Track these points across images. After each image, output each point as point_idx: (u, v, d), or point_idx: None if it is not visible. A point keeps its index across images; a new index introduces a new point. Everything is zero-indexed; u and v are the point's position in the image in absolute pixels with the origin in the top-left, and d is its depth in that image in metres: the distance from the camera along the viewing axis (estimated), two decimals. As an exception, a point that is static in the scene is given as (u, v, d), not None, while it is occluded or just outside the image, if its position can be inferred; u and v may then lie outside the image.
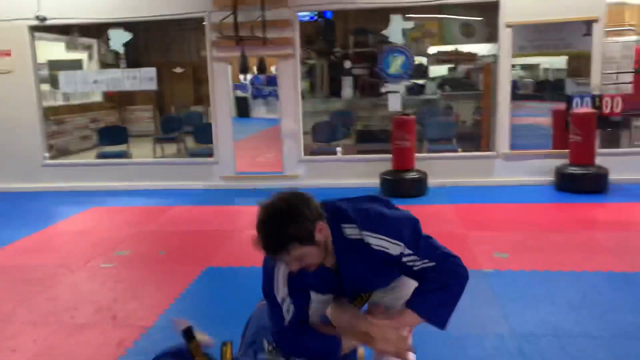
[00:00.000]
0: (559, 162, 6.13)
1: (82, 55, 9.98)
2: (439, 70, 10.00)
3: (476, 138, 7.64)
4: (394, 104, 6.38)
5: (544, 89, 11.71)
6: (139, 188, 6.85)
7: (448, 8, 7.89)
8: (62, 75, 7.10)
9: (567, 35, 6.74)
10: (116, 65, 9.17)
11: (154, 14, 6.66)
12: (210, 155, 7.01)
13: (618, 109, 5.91)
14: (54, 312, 3.43)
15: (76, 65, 8.90)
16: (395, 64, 6.13)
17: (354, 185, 6.38)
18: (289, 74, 6.65)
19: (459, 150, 6.91)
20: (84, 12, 6.75)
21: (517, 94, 7.34)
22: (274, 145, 8.52)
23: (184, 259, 4.33)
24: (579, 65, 9.96)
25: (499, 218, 5.16)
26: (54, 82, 7.97)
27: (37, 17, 6.68)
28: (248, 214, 5.59)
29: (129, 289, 3.76)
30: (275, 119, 13.43)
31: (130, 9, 6.64)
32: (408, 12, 6.73)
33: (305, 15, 8.31)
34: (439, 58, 9.89)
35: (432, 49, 9.57)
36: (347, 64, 8.64)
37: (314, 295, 1.96)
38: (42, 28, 6.98)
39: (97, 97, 10.73)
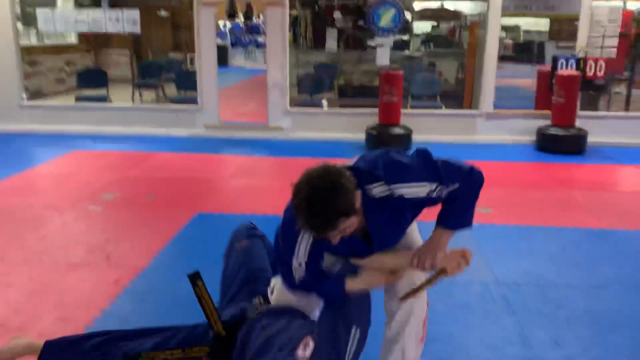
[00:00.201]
0: (540, 122, 6.26)
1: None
2: (423, 27, 9.97)
3: (459, 97, 7.71)
4: (383, 58, 6.36)
5: (524, 50, 11.79)
6: (119, 133, 6.76)
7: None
8: (40, 13, 6.83)
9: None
10: (94, 5, 8.85)
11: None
12: (192, 102, 6.92)
13: (601, 73, 6.03)
14: (46, 252, 3.44)
15: (49, 2, 8.54)
16: (386, 17, 6.09)
17: (339, 139, 6.42)
18: (277, 23, 6.55)
19: (443, 107, 6.98)
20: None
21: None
22: (255, 97, 8.46)
23: (173, 205, 4.34)
24: (561, 28, 10.06)
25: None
26: (27, 20, 7.67)
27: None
28: (235, 163, 5.64)
29: (119, 232, 3.78)
30: (255, 69, 13.28)
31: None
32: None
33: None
34: (424, 14, 9.84)
35: (418, 5, 9.50)
36: (337, 15, 8.48)
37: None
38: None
39: (72, 39, 10.38)
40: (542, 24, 10.99)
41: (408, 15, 9.31)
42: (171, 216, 4.06)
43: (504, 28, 8.82)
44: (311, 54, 8.90)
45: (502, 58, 7.65)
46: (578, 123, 6.07)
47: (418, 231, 2.06)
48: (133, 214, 4.11)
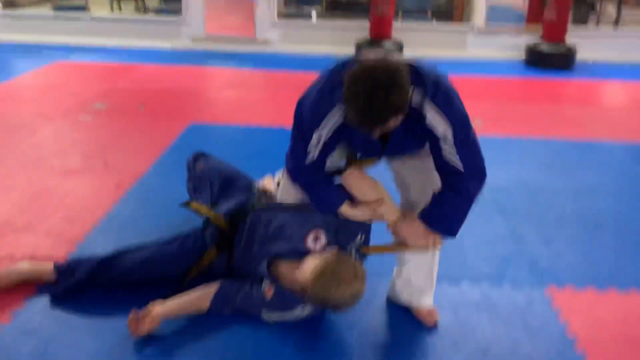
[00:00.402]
0: (530, 40, 6.23)
1: None
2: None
3: (449, 12, 7.58)
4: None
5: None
6: (101, 45, 6.54)
7: None
8: None
9: None
10: None
11: None
12: (175, 13, 6.69)
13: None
14: (42, 158, 3.42)
15: None
16: None
17: (328, 53, 6.32)
18: None
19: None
20: None
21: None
22: (241, 9, 8.18)
23: (166, 115, 4.31)
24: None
25: (472, 88, 5.30)
26: None
27: None
28: (223, 76, 5.56)
29: (114, 140, 3.76)
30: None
31: None
32: None
33: None
34: None
35: None
36: None
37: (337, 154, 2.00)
38: None
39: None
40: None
41: None
42: (164, 126, 4.04)
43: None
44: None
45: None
46: (568, 39, 6.05)
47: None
48: (126, 124, 4.07)
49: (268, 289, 2.01)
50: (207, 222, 2.25)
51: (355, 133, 1.77)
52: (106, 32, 6.67)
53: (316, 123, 1.79)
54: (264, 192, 2.43)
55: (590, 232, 2.78)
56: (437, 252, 2.07)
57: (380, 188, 2.00)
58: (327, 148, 1.86)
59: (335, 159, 2.03)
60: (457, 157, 1.74)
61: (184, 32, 6.63)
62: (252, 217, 2.18)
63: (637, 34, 6.81)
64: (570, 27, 6.18)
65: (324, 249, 2.02)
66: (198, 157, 2.60)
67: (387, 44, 6.03)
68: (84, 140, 3.76)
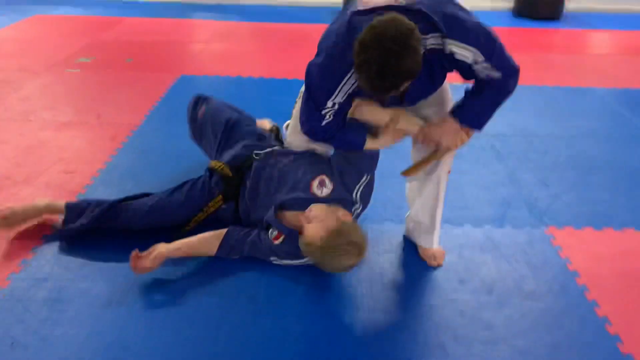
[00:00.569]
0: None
1: None
2: None
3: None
4: None
5: None
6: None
7: None
8: None
9: None
10: None
11: None
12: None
13: None
14: (32, 111, 3.35)
15: None
16: None
17: (316, 4, 6.20)
18: None
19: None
20: None
21: None
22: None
23: (155, 67, 4.22)
24: None
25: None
26: None
27: None
28: (210, 28, 5.44)
29: (104, 93, 3.68)
30: None
31: None
32: None
33: None
34: None
35: None
36: None
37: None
38: None
39: None
40: None
41: None
42: (154, 78, 3.97)
43: None
44: None
45: None
46: (556, -12, 6.01)
47: (450, 91, 2.01)
48: (114, 76, 3.98)
49: (276, 236, 2.02)
50: (213, 171, 2.24)
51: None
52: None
53: (330, 90, 1.78)
54: (266, 136, 2.41)
55: (585, 174, 2.84)
56: (442, 195, 2.10)
57: (389, 109, 1.96)
58: (343, 108, 1.86)
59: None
60: (493, 68, 1.72)
61: (166, -16, 6.40)
62: (257, 166, 2.18)
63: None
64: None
65: (329, 194, 2.02)
66: (199, 101, 2.55)
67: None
68: (73, 93, 3.68)
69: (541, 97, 3.86)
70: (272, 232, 2.03)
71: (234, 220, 2.22)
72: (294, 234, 1.97)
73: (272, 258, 2.05)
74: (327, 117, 1.86)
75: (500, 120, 3.34)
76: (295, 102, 2.18)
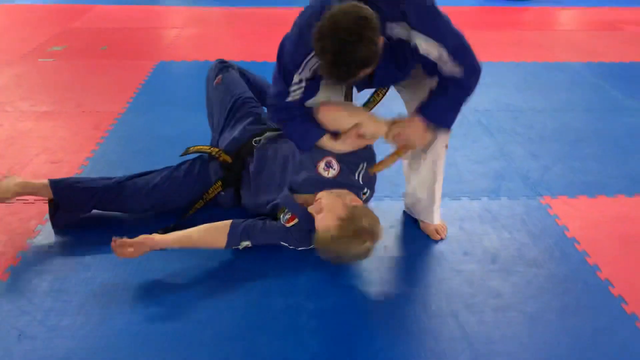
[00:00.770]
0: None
1: None
2: None
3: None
4: None
5: None
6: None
7: None
8: None
9: None
10: None
11: None
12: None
13: None
14: (8, 102, 3.23)
15: None
16: None
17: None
18: None
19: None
20: None
21: None
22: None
23: (131, 54, 4.12)
24: None
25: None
26: None
27: None
28: (183, 14, 5.34)
29: (82, 81, 3.58)
30: None
31: None
32: None
33: None
34: None
35: None
36: None
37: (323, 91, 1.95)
38: None
39: None
40: None
41: None
42: (132, 65, 3.87)
43: None
44: None
45: None
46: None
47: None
48: (91, 65, 3.87)
49: (290, 219, 1.97)
50: (211, 157, 2.20)
51: None
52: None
53: (296, 65, 1.78)
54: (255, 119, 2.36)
55: (572, 145, 2.90)
56: (440, 170, 2.10)
57: (355, 111, 1.97)
58: (310, 88, 1.85)
59: (323, 98, 1.98)
60: (455, 66, 1.72)
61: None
62: (259, 150, 2.15)
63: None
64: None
65: (336, 176, 1.98)
66: (218, 68, 2.45)
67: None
68: (50, 83, 3.55)
69: (521, 73, 3.92)
70: (285, 216, 1.98)
71: (233, 206, 2.19)
72: (307, 216, 1.91)
73: (282, 243, 2.00)
74: (293, 94, 1.84)
75: (486, 97, 3.42)
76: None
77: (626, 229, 2.24)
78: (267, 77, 2.38)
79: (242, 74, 2.50)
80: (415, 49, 1.69)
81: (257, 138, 2.20)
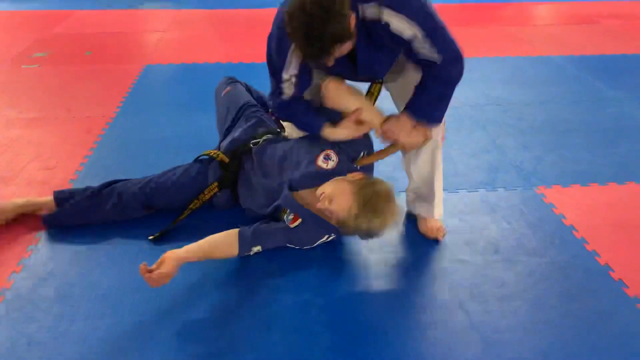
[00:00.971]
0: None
1: None
2: None
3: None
4: None
5: None
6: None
7: None
8: None
9: None
10: None
11: None
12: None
13: None
14: (-6, 110, 3.18)
15: None
16: None
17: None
18: None
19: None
20: None
21: None
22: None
23: (116, 59, 4.08)
24: None
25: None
26: None
27: None
28: (166, 17, 5.30)
29: (69, 87, 3.53)
30: None
31: None
32: None
33: None
34: None
35: None
36: None
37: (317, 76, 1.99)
38: None
39: None
40: None
41: None
42: (118, 70, 3.84)
43: None
44: None
45: None
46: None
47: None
48: (76, 70, 3.82)
49: (293, 219, 1.97)
50: (210, 158, 2.20)
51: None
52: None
53: (282, 62, 1.80)
54: (266, 121, 2.37)
55: (562, 136, 2.96)
56: (438, 162, 2.12)
57: (360, 96, 2.00)
58: (302, 82, 1.87)
59: (318, 82, 2.01)
60: (433, 49, 1.71)
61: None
62: (257, 151, 2.15)
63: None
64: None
65: (335, 167, 2.00)
66: (226, 82, 2.52)
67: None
68: (36, 89, 3.50)
69: (506, 67, 3.99)
70: (288, 216, 1.99)
71: (227, 207, 2.21)
72: (311, 216, 1.92)
73: (288, 245, 2.01)
74: (287, 90, 1.88)
75: (474, 91, 3.48)
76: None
77: (621, 215, 2.29)
78: (259, 76, 2.41)
79: (248, 88, 2.55)
80: (387, 27, 1.67)
81: (256, 140, 2.21)
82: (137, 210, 2.15)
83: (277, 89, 1.90)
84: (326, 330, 1.70)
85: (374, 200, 1.78)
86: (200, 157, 2.22)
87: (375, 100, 2.08)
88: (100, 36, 4.60)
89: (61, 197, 2.15)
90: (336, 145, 2.04)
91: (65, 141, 2.83)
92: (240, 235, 1.93)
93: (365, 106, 1.97)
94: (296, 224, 1.98)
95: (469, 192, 2.44)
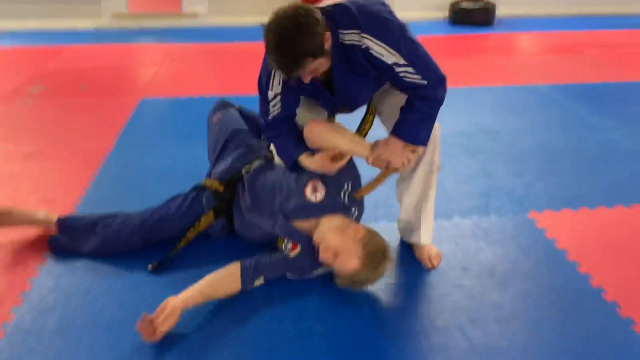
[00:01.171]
0: (452, -2, 6.53)
1: None
2: None
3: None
4: None
5: None
6: (13, 30, 6.08)
7: None
8: None
9: None
10: None
11: None
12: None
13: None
14: (-9, 145, 3.21)
15: None
16: None
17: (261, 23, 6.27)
18: None
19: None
20: None
21: None
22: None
23: (112, 93, 4.14)
24: None
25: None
26: None
27: None
28: (160, 51, 5.39)
29: (66, 121, 3.57)
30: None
31: None
32: None
33: None
34: None
35: None
36: None
37: (305, 103, 2.05)
38: None
39: None
40: None
41: None
42: (114, 103, 3.90)
43: None
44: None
45: None
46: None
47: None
48: (72, 104, 3.87)
49: (292, 247, 2.00)
50: (204, 187, 2.24)
51: (301, 83, 1.80)
52: (15, 13, 6.20)
53: (267, 79, 1.90)
54: (254, 147, 2.40)
55: (550, 162, 3.04)
56: (430, 192, 2.14)
57: (343, 130, 2.01)
58: (286, 100, 1.93)
59: (305, 114, 2.08)
60: (416, 73, 1.77)
61: (105, 10, 6.30)
62: (249, 178, 2.19)
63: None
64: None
65: (323, 199, 2.02)
66: (218, 107, 2.56)
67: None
68: (32, 124, 3.54)
69: (492, 96, 4.10)
70: (287, 245, 2.02)
71: (224, 236, 2.24)
72: (310, 243, 1.95)
73: (288, 274, 2.03)
74: (273, 109, 1.96)
75: (463, 120, 3.57)
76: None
77: (611, 237, 2.35)
78: (256, 108, 2.47)
79: (241, 112, 2.59)
80: (367, 51, 1.74)
81: (247, 167, 2.25)
82: (136, 244, 2.17)
83: (264, 108, 1.99)
84: (328, 358, 1.72)
85: (376, 262, 1.89)
86: (196, 187, 2.26)
87: (366, 133, 2.14)
88: (94, 70, 4.68)
89: (62, 222, 2.21)
90: (319, 176, 2.03)
91: (63, 174, 2.86)
92: (242, 269, 1.94)
93: (349, 140, 1.97)
94: (295, 252, 2.01)
95: (462, 217, 2.49)
